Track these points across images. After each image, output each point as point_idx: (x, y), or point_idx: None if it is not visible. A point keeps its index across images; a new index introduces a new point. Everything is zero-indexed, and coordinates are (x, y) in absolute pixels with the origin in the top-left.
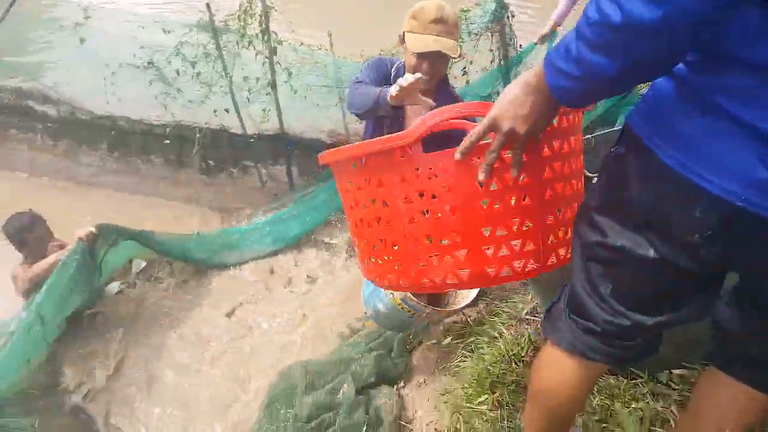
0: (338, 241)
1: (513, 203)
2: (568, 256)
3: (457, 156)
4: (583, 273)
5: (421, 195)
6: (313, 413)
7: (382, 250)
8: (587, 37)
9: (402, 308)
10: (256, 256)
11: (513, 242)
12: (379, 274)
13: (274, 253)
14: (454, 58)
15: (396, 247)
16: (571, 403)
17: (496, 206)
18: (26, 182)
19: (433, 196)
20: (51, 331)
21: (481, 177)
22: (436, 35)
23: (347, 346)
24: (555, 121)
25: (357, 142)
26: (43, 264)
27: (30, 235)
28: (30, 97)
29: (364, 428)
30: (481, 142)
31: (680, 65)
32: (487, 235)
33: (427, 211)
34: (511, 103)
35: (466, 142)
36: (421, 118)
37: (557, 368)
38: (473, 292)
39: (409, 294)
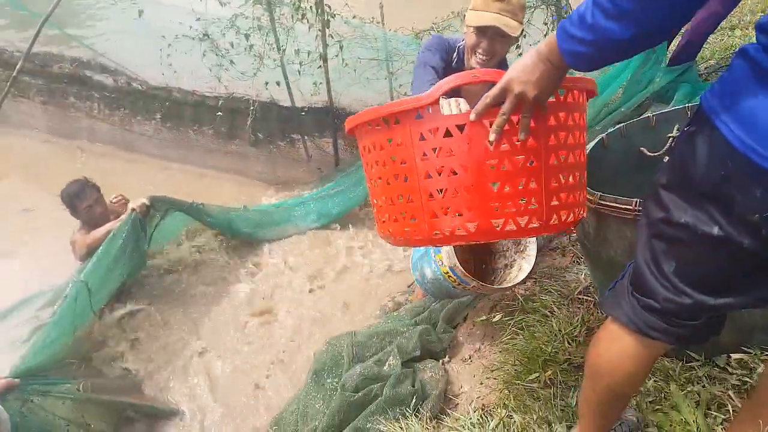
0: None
1: (520, 165)
2: (570, 219)
3: (472, 117)
4: (648, 250)
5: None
6: (359, 384)
7: (398, 206)
8: (603, 5)
9: (448, 277)
10: (300, 231)
11: (518, 200)
12: (393, 230)
13: (318, 228)
14: (515, 37)
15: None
16: (629, 381)
17: (504, 167)
18: (84, 150)
19: (450, 153)
20: (98, 300)
21: (491, 137)
22: (497, 13)
23: (391, 320)
24: (561, 96)
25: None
26: (97, 233)
27: (80, 203)
28: (88, 67)
29: (412, 400)
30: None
31: (756, 47)
32: (495, 191)
33: (440, 173)
34: (523, 69)
35: (480, 104)
36: (438, 82)
37: (617, 345)
38: (523, 273)
39: (457, 264)
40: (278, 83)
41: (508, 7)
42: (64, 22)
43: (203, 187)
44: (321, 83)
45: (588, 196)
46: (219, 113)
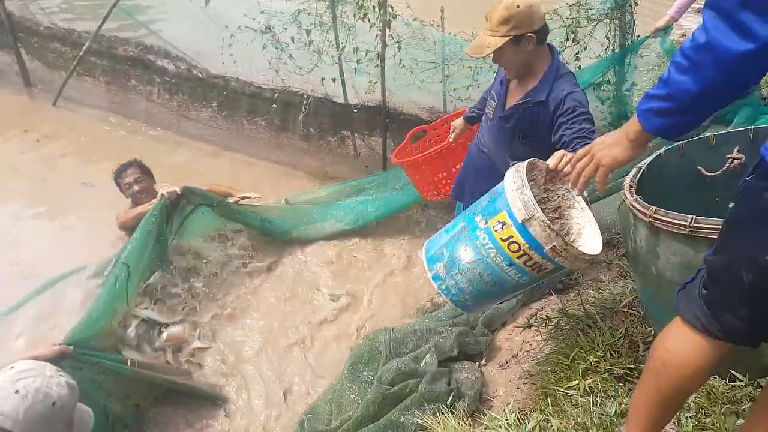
0: (423, 219)
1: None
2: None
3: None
4: None
5: None
6: (396, 378)
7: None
8: (677, 61)
9: (509, 246)
10: (338, 231)
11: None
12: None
13: (357, 231)
14: (475, 57)
15: None
16: (692, 380)
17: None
18: (141, 132)
19: None
20: (134, 281)
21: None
22: (483, 33)
23: (429, 320)
24: None
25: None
26: (131, 212)
27: (121, 180)
28: (152, 51)
29: (448, 398)
30: None
31: None
32: None
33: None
34: (605, 138)
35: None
36: None
37: (688, 343)
38: (592, 235)
39: (538, 212)
40: (334, 80)
41: (489, 25)
42: (132, 7)
43: (252, 176)
44: (376, 82)
45: (642, 210)
46: (274, 105)
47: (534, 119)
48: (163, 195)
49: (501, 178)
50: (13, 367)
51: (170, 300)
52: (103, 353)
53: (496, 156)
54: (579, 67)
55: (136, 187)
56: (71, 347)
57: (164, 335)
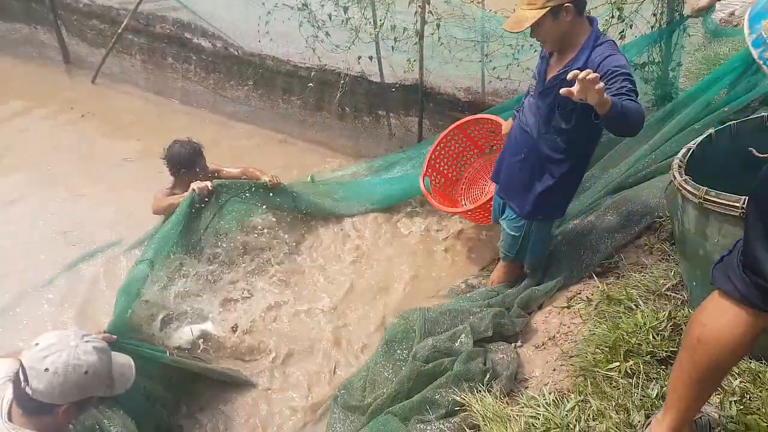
0: None
1: None
2: None
3: None
4: (760, 229)
5: None
6: (430, 356)
7: None
8: None
9: None
10: (367, 210)
11: None
12: None
13: (384, 209)
14: (513, 32)
15: None
16: (730, 353)
17: None
18: (177, 110)
19: None
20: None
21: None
22: (520, 8)
23: (463, 301)
24: None
25: None
26: (165, 201)
27: (190, 167)
28: (189, 29)
29: (484, 378)
30: None
31: None
32: None
33: None
34: None
35: None
36: None
37: (726, 316)
38: None
39: None
40: (371, 58)
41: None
42: None
43: (285, 155)
44: (414, 60)
45: (692, 191)
46: (310, 84)
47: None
48: (194, 190)
49: (539, 159)
50: (37, 344)
51: (201, 287)
52: (142, 342)
53: (538, 133)
54: (623, 45)
55: (194, 178)
56: (115, 336)
57: (196, 332)
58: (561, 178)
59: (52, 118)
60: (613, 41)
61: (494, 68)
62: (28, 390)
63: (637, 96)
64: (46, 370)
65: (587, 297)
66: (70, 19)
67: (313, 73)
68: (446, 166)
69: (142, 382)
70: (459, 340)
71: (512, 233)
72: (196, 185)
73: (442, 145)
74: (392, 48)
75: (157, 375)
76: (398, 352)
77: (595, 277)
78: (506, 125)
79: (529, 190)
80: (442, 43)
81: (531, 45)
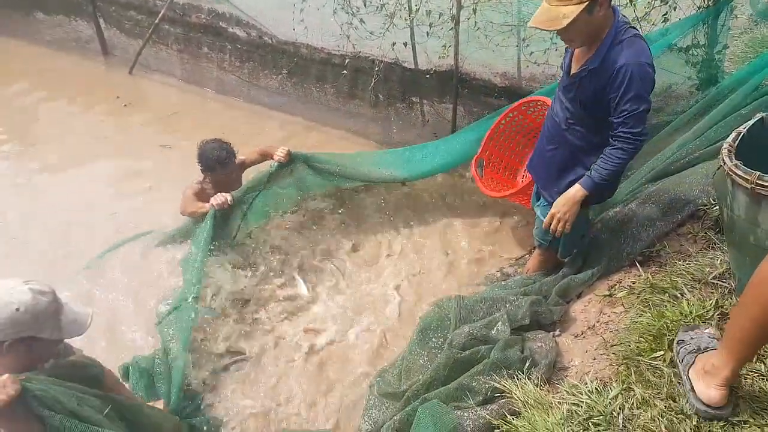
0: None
1: None
2: None
3: None
4: None
5: None
6: (467, 343)
7: None
8: None
9: None
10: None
11: None
12: None
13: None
14: (549, 30)
15: None
16: None
17: None
18: (212, 99)
19: None
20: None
21: None
22: (550, 3)
23: (499, 289)
24: None
25: None
26: (191, 207)
27: (221, 169)
28: (224, 19)
29: (525, 366)
30: None
31: None
32: None
33: None
34: None
35: None
36: None
37: None
38: None
39: None
40: (405, 44)
41: None
42: None
43: (318, 143)
44: (450, 46)
45: (744, 175)
46: (344, 72)
47: (591, 88)
48: (213, 206)
49: (570, 149)
50: None
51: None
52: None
53: (566, 124)
54: (666, 28)
55: (225, 180)
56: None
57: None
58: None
59: (91, 108)
60: (635, 34)
61: (531, 53)
62: None
63: (639, 118)
64: None
65: (629, 285)
66: (108, 10)
67: (347, 61)
68: (505, 149)
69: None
70: (496, 328)
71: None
72: (215, 201)
73: (503, 124)
74: (427, 34)
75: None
76: (433, 340)
77: (638, 266)
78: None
79: (560, 179)
80: (478, 28)
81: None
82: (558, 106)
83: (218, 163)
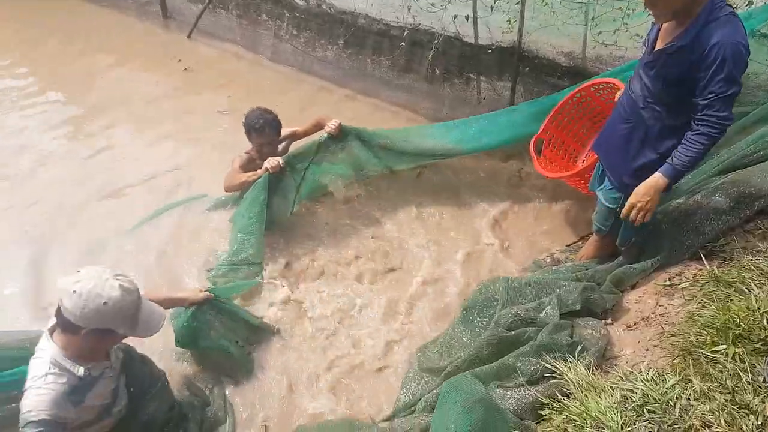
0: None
1: None
2: None
3: None
4: None
5: None
6: (513, 324)
7: None
8: None
9: None
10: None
11: None
12: None
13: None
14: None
15: None
16: None
17: None
18: (267, 67)
19: None
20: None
21: None
22: None
23: (549, 273)
24: None
25: None
26: (237, 179)
27: (257, 136)
28: None
29: (576, 351)
30: None
31: None
32: None
33: None
34: None
35: None
36: None
37: None
38: None
39: None
40: (467, 17)
41: None
42: None
43: (369, 116)
44: (514, 21)
45: None
46: (402, 44)
47: (677, 65)
48: (267, 170)
49: (643, 130)
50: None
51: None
52: (230, 302)
53: (643, 102)
54: (750, 13)
55: (267, 150)
56: (213, 295)
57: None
58: (664, 154)
59: (150, 70)
60: (731, 13)
61: (600, 33)
62: (61, 307)
63: (727, 101)
64: (74, 292)
65: (691, 277)
66: None
67: (405, 33)
68: (567, 131)
69: (230, 334)
70: (545, 311)
71: (607, 205)
72: (268, 164)
73: (568, 104)
74: (491, 8)
75: (239, 329)
76: (477, 319)
77: (703, 258)
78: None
79: (629, 161)
80: (546, 3)
81: (645, 9)
82: (637, 83)
83: (253, 129)
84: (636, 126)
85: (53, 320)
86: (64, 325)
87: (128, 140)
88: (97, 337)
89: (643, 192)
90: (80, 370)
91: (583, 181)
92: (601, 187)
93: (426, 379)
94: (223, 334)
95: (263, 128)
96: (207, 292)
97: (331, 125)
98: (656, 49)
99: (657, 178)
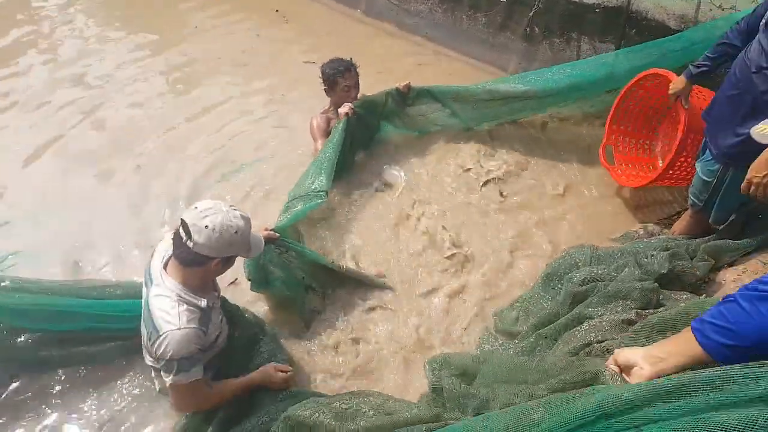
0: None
1: None
2: None
3: None
4: None
5: None
6: (587, 278)
7: None
8: None
9: None
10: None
11: None
12: None
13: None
14: None
15: None
16: None
17: None
18: (359, 19)
19: None
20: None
21: None
22: None
23: (638, 245)
24: None
25: None
26: (322, 138)
27: (342, 80)
28: None
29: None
30: None
31: None
32: None
33: None
34: None
35: None
36: None
37: None
38: None
39: None
40: None
41: None
42: None
43: (454, 76)
44: None
45: None
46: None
47: None
48: (347, 114)
49: (753, 97)
50: (196, 207)
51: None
52: (297, 242)
53: (757, 67)
54: None
55: (354, 93)
56: (278, 234)
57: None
58: None
59: (250, 18)
60: None
61: None
62: (189, 244)
63: None
64: (206, 227)
65: None
66: None
67: None
68: (632, 128)
69: (299, 272)
70: (624, 271)
71: (704, 177)
72: (342, 110)
73: (623, 103)
74: None
75: (307, 269)
76: (558, 286)
77: None
78: (675, 81)
79: (734, 130)
80: None
81: None
82: (755, 49)
83: (338, 73)
84: (743, 91)
85: (158, 258)
86: (191, 259)
87: (229, 89)
88: (223, 264)
89: (760, 166)
90: (203, 302)
91: (671, 181)
92: (701, 158)
93: (500, 342)
94: (293, 275)
95: (349, 68)
96: (272, 231)
97: (401, 85)
98: None
99: None
